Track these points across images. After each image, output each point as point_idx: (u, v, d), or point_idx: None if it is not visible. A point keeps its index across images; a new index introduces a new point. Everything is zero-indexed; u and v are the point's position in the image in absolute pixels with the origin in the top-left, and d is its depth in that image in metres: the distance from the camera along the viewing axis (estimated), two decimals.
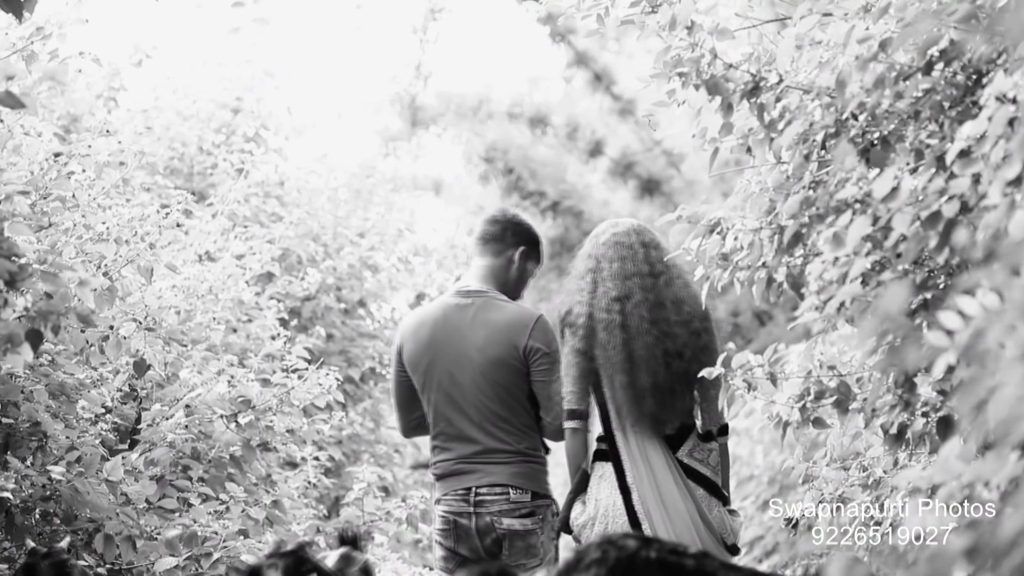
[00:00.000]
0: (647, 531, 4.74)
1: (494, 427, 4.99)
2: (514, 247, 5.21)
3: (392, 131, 16.74)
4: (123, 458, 5.28)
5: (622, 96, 16.23)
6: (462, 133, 16.49)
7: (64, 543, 4.30)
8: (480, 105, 16.48)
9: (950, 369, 2.72)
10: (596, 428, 4.98)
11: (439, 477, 5.08)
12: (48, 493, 5.00)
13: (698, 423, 4.95)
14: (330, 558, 3.91)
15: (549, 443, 5.16)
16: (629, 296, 4.91)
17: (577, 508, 4.92)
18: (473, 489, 4.98)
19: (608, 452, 4.89)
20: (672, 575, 2.98)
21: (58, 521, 5.10)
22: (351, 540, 4.01)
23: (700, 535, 4.81)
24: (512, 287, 5.22)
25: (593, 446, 4.96)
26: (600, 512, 4.86)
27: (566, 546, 4.91)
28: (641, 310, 4.89)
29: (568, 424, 4.90)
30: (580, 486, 4.94)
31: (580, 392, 4.90)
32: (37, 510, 5.05)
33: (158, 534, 5.13)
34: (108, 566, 5.16)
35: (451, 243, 10.12)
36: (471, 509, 4.98)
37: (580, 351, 4.89)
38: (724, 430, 5.00)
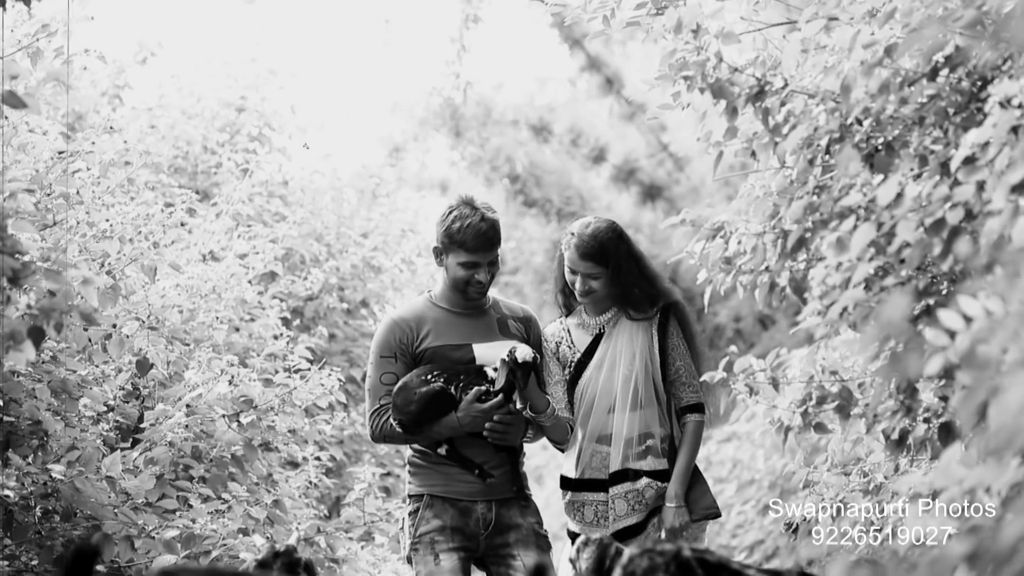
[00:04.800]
0: None
1: None
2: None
3: (403, 137, 16.75)
4: (123, 456, 5.27)
5: (632, 100, 16.23)
6: (469, 138, 16.50)
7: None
8: (488, 112, 16.49)
9: (951, 375, 2.72)
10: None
11: None
12: (48, 491, 4.99)
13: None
14: None
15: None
16: None
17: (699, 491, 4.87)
18: None
19: None
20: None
21: (58, 519, 5.09)
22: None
23: None
24: (451, 289, 4.79)
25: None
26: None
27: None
28: None
29: (704, 418, 4.85)
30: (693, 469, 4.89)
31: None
32: (37, 508, 5.04)
33: (157, 533, 5.12)
34: (107, 565, 5.15)
35: None
36: None
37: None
38: None
